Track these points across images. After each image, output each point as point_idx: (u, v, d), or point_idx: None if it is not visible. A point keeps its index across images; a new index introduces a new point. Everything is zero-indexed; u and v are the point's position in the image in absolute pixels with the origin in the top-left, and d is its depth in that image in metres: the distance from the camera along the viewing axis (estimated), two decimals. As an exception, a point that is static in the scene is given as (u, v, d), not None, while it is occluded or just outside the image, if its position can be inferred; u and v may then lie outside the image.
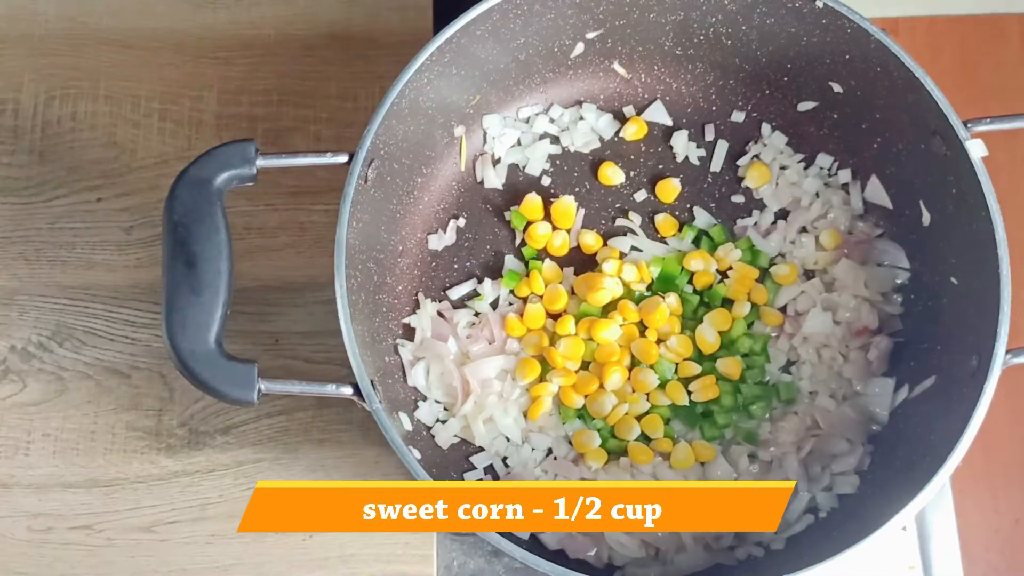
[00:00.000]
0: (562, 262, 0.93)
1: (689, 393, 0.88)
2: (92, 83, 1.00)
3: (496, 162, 0.96)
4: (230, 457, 0.91)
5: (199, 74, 1.01)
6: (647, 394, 0.88)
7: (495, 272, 0.93)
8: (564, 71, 0.95)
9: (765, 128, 0.96)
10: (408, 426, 0.86)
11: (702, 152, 0.96)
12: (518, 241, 0.94)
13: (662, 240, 0.94)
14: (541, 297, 0.91)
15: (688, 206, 0.95)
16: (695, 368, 0.89)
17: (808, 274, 0.92)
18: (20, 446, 0.91)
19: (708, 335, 0.89)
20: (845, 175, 0.94)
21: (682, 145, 0.96)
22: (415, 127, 0.87)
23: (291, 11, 1.03)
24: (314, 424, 0.91)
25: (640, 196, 0.95)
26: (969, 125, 0.81)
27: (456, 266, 0.93)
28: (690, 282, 0.92)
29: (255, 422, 0.91)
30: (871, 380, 0.88)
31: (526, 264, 0.93)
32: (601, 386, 0.88)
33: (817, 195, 0.94)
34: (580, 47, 0.94)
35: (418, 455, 0.80)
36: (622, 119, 0.97)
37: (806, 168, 0.95)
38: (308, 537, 0.89)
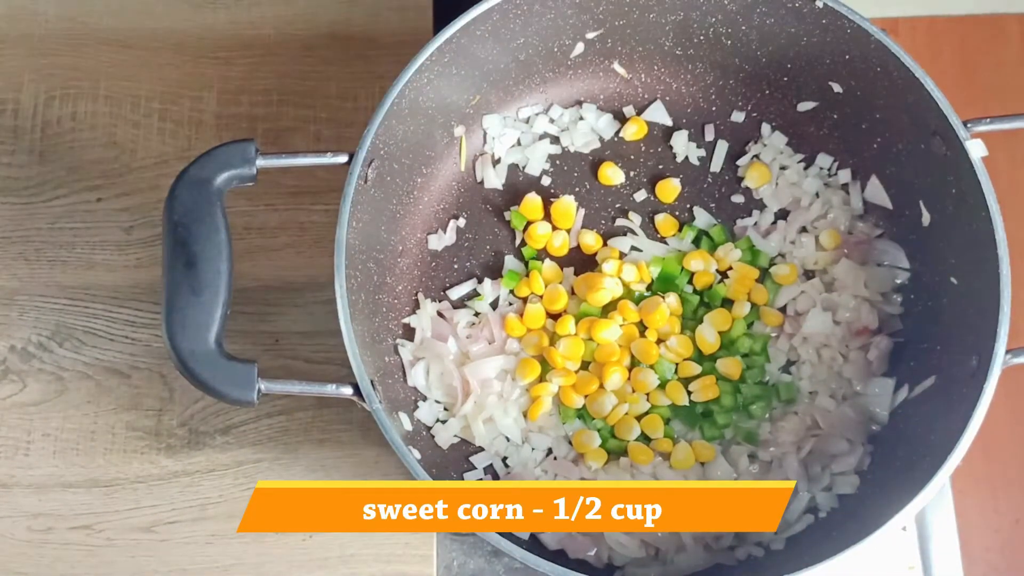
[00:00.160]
0: (562, 262, 0.93)
1: (689, 393, 0.88)
2: (92, 83, 1.00)
3: (496, 162, 0.95)
4: (230, 457, 0.91)
5: (199, 74, 1.01)
6: (647, 394, 0.88)
7: (495, 272, 0.93)
8: (564, 71, 0.95)
9: (765, 128, 0.96)
10: (408, 426, 0.86)
11: (702, 152, 0.96)
12: (518, 241, 0.94)
13: (662, 240, 0.94)
14: (541, 297, 0.91)
15: (688, 206, 0.95)
16: (695, 368, 0.89)
17: (808, 274, 0.92)
18: (20, 446, 0.91)
19: (708, 335, 0.89)
20: (845, 175, 0.94)
21: (682, 145, 0.96)
22: (415, 127, 0.87)
23: (291, 11, 1.03)
24: (314, 424, 0.91)
25: (640, 196, 0.95)
26: (969, 125, 0.81)
27: (456, 266, 0.93)
28: (690, 282, 0.92)
29: (255, 422, 0.91)
30: (871, 380, 0.88)
31: (526, 264, 0.93)
32: (601, 386, 0.88)
33: (817, 195, 0.94)
34: (580, 47, 0.93)
35: (418, 455, 0.80)
36: (622, 119, 0.97)
37: (806, 168, 0.95)
38: (308, 537, 0.89)
